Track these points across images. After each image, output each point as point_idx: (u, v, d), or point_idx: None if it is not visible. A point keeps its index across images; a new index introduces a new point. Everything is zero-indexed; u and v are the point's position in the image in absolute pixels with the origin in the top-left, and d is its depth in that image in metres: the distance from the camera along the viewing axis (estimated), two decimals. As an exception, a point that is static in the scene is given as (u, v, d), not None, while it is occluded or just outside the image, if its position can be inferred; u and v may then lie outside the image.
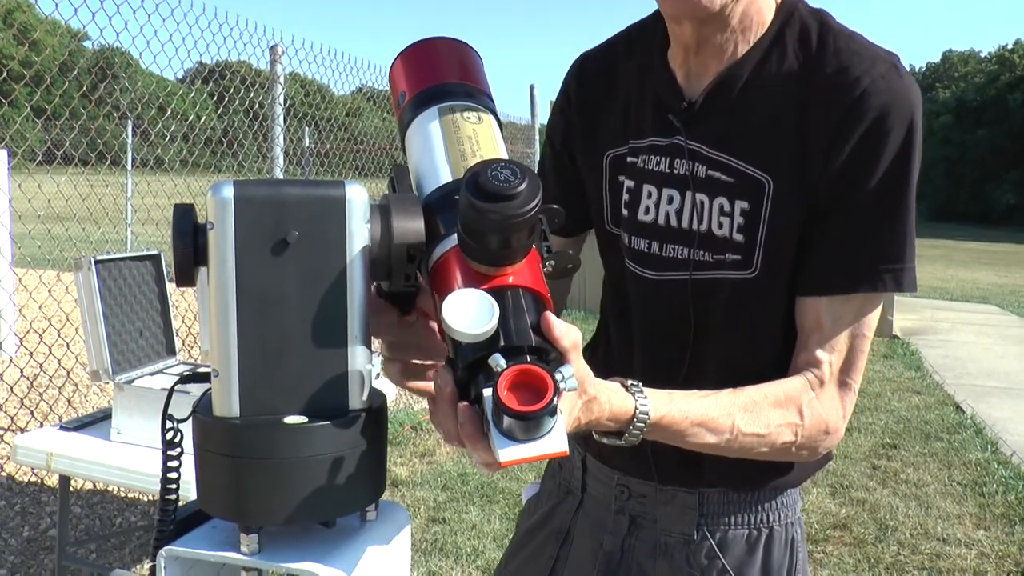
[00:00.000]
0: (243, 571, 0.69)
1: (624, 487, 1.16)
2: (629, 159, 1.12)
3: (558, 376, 0.64)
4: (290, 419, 0.67)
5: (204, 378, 0.70)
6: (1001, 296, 12.85)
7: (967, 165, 48.57)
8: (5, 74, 3.85)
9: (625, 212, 1.12)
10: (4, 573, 3.08)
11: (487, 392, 0.65)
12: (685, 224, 1.06)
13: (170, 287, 2.76)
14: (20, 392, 4.38)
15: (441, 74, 0.85)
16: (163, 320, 2.73)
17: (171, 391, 0.78)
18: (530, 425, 0.64)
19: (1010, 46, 51.68)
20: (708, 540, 1.11)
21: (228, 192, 0.65)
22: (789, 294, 1.03)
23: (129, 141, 10.48)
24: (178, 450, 0.75)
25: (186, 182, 5.88)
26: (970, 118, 49.85)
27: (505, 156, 0.79)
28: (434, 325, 0.81)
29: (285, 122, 4.55)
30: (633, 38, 1.16)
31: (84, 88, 4.80)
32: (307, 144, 7.56)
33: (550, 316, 0.70)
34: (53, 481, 3.55)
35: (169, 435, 0.75)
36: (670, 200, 1.07)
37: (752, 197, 1.01)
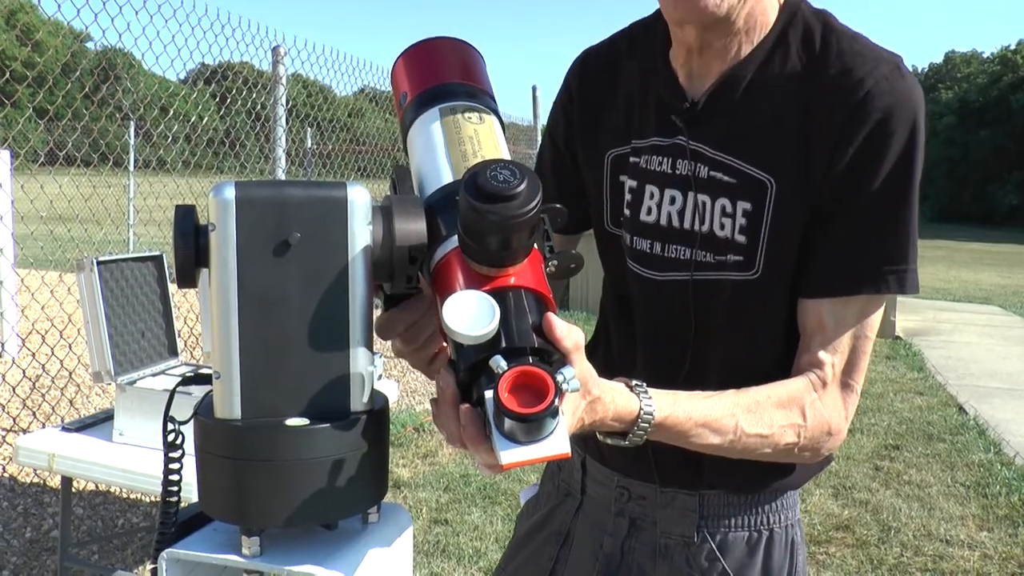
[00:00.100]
0: (244, 574, 0.69)
1: (624, 489, 1.16)
2: (631, 159, 1.11)
3: (560, 377, 0.64)
4: (291, 421, 0.66)
5: (206, 380, 0.70)
6: (1004, 297, 12.84)
7: (970, 166, 48.53)
8: (8, 75, 3.85)
9: (627, 212, 1.12)
10: (7, 574, 3.09)
11: (488, 394, 0.65)
12: (687, 225, 1.06)
13: (172, 288, 2.76)
14: (23, 393, 4.39)
15: (443, 74, 0.85)
16: (165, 321, 2.73)
17: (172, 393, 0.78)
18: (531, 427, 0.64)
19: (1013, 47, 51.64)
20: (708, 542, 1.11)
21: (230, 193, 0.65)
22: (791, 295, 1.03)
23: (131, 142, 10.49)
24: (179, 452, 0.75)
25: (188, 183, 5.89)
26: (973, 119, 49.80)
27: (507, 157, 0.78)
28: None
29: (287, 123, 4.55)
30: (635, 36, 1.16)
31: (87, 89, 4.80)
32: (309, 145, 7.57)
33: (552, 317, 0.69)
34: (55, 482, 3.55)
35: (170, 437, 0.75)
36: (672, 201, 1.07)
37: (754, 198, 1.00)
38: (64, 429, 2.66)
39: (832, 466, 4.17)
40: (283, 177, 4.49)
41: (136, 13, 4.25)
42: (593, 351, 1.23)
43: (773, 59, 1.01)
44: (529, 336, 0.68)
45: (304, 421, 0.66)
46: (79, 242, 5.23)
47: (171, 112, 5.42)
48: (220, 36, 4.72)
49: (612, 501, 1.17)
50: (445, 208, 0.74)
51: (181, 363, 2.77)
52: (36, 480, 3.85)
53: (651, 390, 0.88)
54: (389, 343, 0.82)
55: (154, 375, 2.61)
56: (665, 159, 1.07)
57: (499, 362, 0.64)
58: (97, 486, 3.70)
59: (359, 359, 0.68)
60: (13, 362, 5.26)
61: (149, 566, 0.94)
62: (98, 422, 2.71)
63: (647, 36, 1.13)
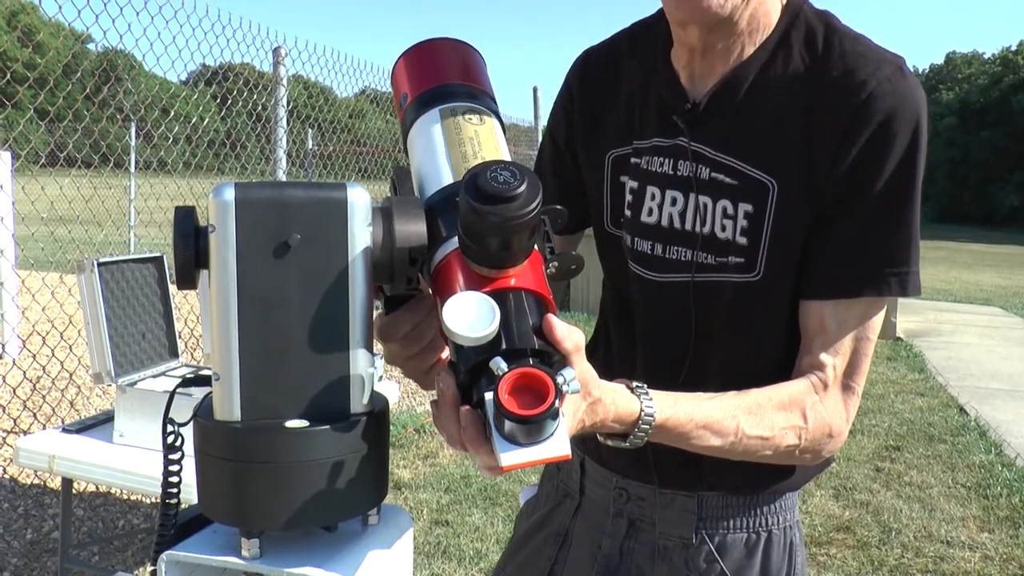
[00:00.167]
0: None
1: (623, 490, 1.16)
2: (632, 160, 1.11)
3: (560, 379, 0.64)
4: (291, 423, 0.66)
5: (206, 381, 0.70)
6: (1005, 298, 12.83)
7: (971, 167, 48.54)
8: (9, 76, 3.86)
9: (628, 213, 1.12)
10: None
11: (489, 396, 0.65)
12: (688, 226, 1.05)
13: (173, 289, 2.76)
14: (23, 394, 4.38)
15: (443, 75, 0.85)
16: (166, 322, 2.73)
17: (172, 394, 0.77)
18: (531, 429, 0.63)
19: (1014, 48, 51.67)
20: (707, 544, 1.10)
21: (230, 194, 0.65)
22: (792, 297, 1.03)
23: (132, 143, 10.48)
24: (179, 454, 0.75)
25: (189, 184, 5.89)
26: (974, 120, 49.81)
27: (507, 158, 0.78)
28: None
29: (288, 124, 4.55)
30: (636, 36, 1.16)
31: (88, 90, 4.81)
32: (310, 146, 7.57)
33: (552, 318, 0.69)
34: (56, 483, 3.55)
35: (170, 439, 0.75)
36: (673, 202, 1.07)
37: (756, 200, 1.00)
38: (64, 430, 2.66)
39: (833, 467, 4.17)
40: (284, 178, 4.49)
41: (137, 14, 4.26)
42: (593, 352, 1.23)
43: (775, 60, 1.01)
44: (529, 337, 0.68)
45: (304, 423, 0.66)
46: (80, 243, 5.23)
47: (172, 113, 5.42)
48: (221, 37, 4.73)
49: (611, 502, 1.17)
50: (445, 209, 0.74)
51: (181, 364, 2.77)
52: (36, 481, 3.85)
53: (652, 392, 0.88)
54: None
55: (154, 376, 2.61)
56: (666, 160, 1.07)
57: (499, 364, 0.64)
58: (97, 487, 3.70)
59: (359, 361, 0.68)
60: (14, 363, 5.25)
61: (149, 568, 0.94)
62: (98, 423, 2.71)
63: (648, 36, 1.13)
